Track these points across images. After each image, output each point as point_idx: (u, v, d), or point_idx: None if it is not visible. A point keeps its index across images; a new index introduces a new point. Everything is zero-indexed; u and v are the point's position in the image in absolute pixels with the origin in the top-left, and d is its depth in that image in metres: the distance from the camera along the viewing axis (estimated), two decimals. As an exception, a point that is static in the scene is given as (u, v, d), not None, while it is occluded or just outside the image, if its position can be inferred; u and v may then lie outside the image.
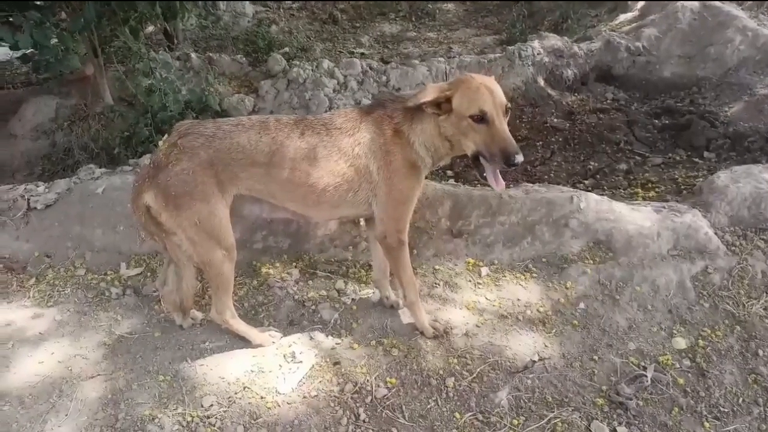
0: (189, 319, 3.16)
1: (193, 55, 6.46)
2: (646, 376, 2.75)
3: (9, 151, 5.62)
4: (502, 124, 2.55)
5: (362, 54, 8.50)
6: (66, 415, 2.66)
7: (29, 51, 4.68)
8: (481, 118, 2.51)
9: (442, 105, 2.61)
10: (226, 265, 2.79)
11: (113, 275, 3.54)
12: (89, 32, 5.17)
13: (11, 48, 4.68)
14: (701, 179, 4.48)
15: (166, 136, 2.79)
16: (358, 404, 2.68)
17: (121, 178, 3.91)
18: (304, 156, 2.71)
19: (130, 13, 5.15)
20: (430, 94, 2.60)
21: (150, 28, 7.29)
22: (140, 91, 4.97)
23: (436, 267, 3.54)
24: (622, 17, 7.77)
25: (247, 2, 9.80)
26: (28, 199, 3.82)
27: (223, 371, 2.87)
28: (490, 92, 2.56)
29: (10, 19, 4.42)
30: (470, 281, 3.43)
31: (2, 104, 6.14)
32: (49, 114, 5.80)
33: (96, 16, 4.81)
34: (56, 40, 4.72)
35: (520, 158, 2.48)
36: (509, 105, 2.60)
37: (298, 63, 6.36)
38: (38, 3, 4.77)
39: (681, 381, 2.79)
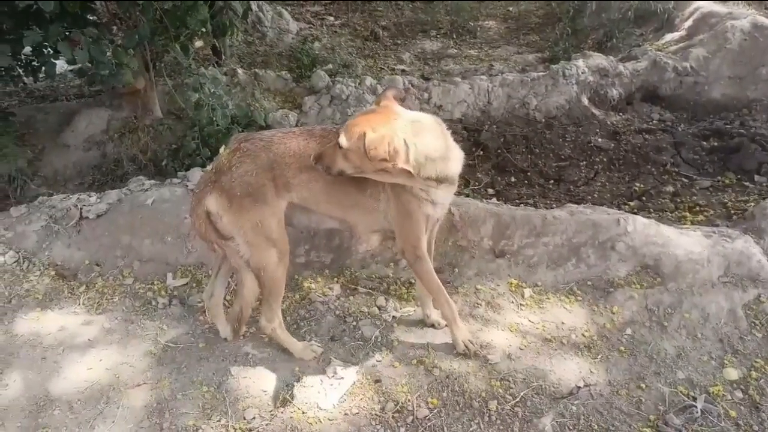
0: (236, 330, 3.20)
1: (239, 70, 6.61)
2: (696, 407, 2.67)
3: (62, 161, 5.81)
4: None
5: (403, 71, 8.55)
6: (113, 422, 2.72)
7: (85, 65, 4.84)
8: None
9: None
10: (280, 270, 2.84)
11: (160, 285, 3.62)
12: (142, 48, 5.34)
13: (68, 62, 4.87)
14: (752, 204, 4.37)
15: (223, 147, 2.87)
16: (399, 423, 2.67)
17: (170, 190, 4.01)
18: None
19: (182, 30, 5.29)
20: None
21: (198, 44, 7.48)
22: (189, 106, 5.10)
23: (478, 287, 3.52)
24: (669, 37, 7.64)
25: (291, 20, 9.97)
26: (81, 209, 3.94)
27: (266, 384, 2.90)
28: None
29: (69, 35, 4.58)
30: (513, 302, 3.39)
31: (57, 116, 6.35)
32: (101, 126, 5.99)
33: (150, 33, 4.97)
34: (111, 56, 4.88)
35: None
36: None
37: (341, 79, 6.44)
38: (96, 20, 4.94)
39: (733, 413, 2.69)
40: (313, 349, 3.07)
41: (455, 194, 4.01)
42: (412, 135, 2.52)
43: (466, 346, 3.01)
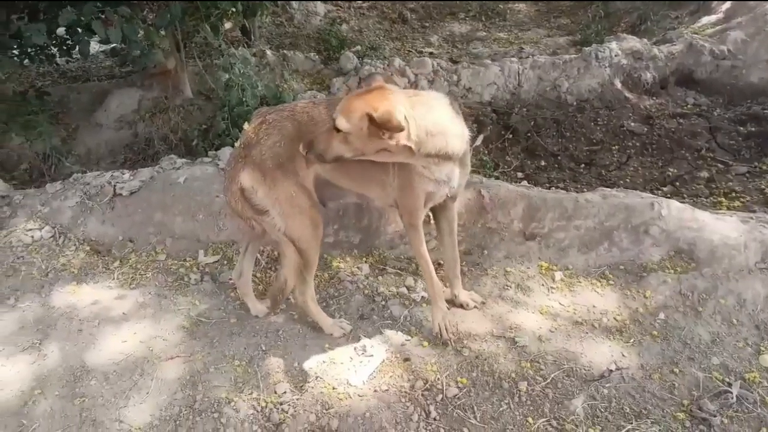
0: (263, 306, 3.24)
1: (268, 52, 6.62)
2: (731, 393, 2.63)
3: (94, 140, 5.91)
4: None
5: (431, 53, 8.48)
6: (147, 393, 2.77)
7: (118, 45, 4.90)
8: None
9: None
10: (314, 242, 2.86)
11: (192, 262, 3.67)
12: (173, 28, 5.38)
13: (102, 42, 4.93)
14: (791, 190, 4.26)
15: (246, 123, 2.87)
16: (428, 402, 2.68)
17: (201, 168, 4.06)
18: None
19: (212, 11, 5.31)
20: None
21: (228, 25, 7.50)
22: (219, 86, 5.13)
23: (508, 269, 3.49)
24: (705, 20, 7.45)
25: (319, 2, 9.94)
26: (114, 186, 4.01)
27: (296, 360, 2.93)
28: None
29: (103, 14, 4.63)
30: (543, 285, 3.37)
31: (89, 95, 6.45)
32: (132, 106, 6.07)
33: (181, 13, 5.00)
34: (142, 35, 4.93)
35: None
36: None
37: (369, 61, 6.41)
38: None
39: (769, 400, 2.65)
40: (342, 326, 3.09)
41: (485, 176, 4.01)
42: (411, 110, 2.48)
43: (440, 330, 2.98)
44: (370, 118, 2.37)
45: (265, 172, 2.72)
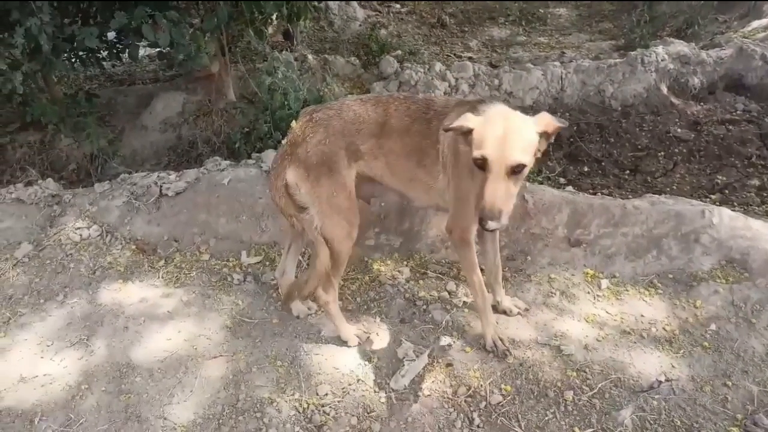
0: (305, 308, 3.25)
1: (309, 56, 6.67)
2: (788, 409, 2.53)
3: (140, 142, 6.04)
4: (498, 183, 2.24)
5: (470, 58, 8.43)
6: (191, 391, 2.81)
7: (166, 49, 5.00)
8: (481, 166, 2.27)
9: (467, 136, 2.38)
10: (346, 244, 2.85)
11: (235, 262, 3.71)
12: (219, 32, 5.47)
13: (150, 45, 5.04)
14: None
15: (294, 121, 2.89)
16: (471, 408, 2.64)
17: (245, 170, 4.10)
18: (405, 128, 2.77)
19: (257, 15, 5.39)
20: (459, 121, 2.38)
21: (270, 30, 7.60)
22: (262, 89, 5.17)
23: (552, 276, 3.44)
24: (756, 23, 7.24)
25: (358, 7, 9.99)
26: (161, 186, 4.08)
27: (338, 362, 2.93)
28: (504, 142, 2.24)
29: (152, 18, 4.73)
30: (589, 293, 3.30)
31: (135, 98, 6.61)
32: (177, 108, 6.18)
33: (227, 17, 5.08)
34: (189, 40, 5.02)
35: (492, 225, 2.22)
36: (521, 164, 2.24)
37: (409, 65, 6.40)
38: (177, 4, 5.08)
39: (829, 417, 2.53)
40: (358, 335, 3.07)
41: (529, 181, 3.95)
42: None
43: (495, 343, 2.93)
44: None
45: (309, 169, 2.73)
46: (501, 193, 2.23)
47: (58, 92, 5.92)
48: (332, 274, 2.92)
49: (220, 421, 2.65)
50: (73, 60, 5.37)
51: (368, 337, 3.09)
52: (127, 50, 5.11)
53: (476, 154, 2.27)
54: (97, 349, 3.07)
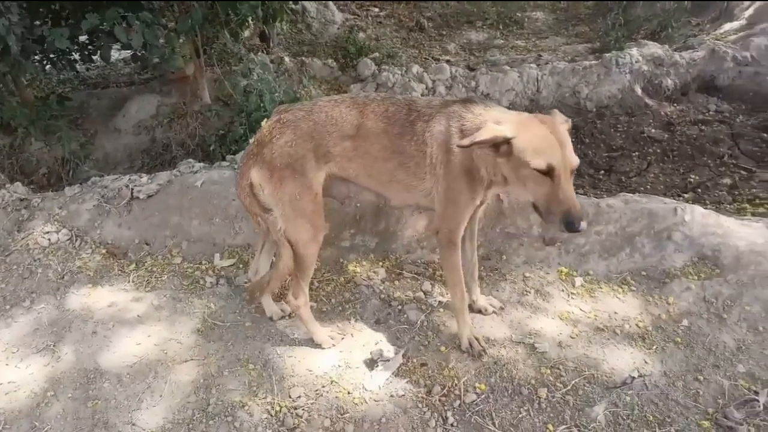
0: (278, 309, 3.21)
1: (286, 58, 6.64)
2: (758, 401, 2.54)
3: (112, 145, 5.95)
4: (569, 183, 2.30)
5: (448, 61, 8.46)
6: (161, 396, 2.75)
7: (139, 51, 4.93)
8: (547, 173, 2.29)
9: (501, 146, 2.38)
10: (312, 248, 2.81)
11: (207, 265, 3.65)
12: (193, 34, 5.42)
13: (123, 47, 4.97)
14: (819, 197, 4.16)
15: (265, 120, 2.85)
16: (446, 407, 2.62)
17: (219, 172, 4.05)
18: (383, 130, 2.72)
19: (232, 17, 5.34)
20: (485, 133, 2.34)
21: (246, 33, 7.55)
22: (238, 91, 5.14)
23: (527, 274, 3.43)
24: (728, 26, 7.36)
25: (337, 10, 9.98)
26: (132, 189, 4.01)
27: (311, 364, 2.89)
28: (562, 145, 2.30)
29: (125, 19, 4.66)
30: (563, 291, 3.30)
31: (108, 101, 6.52)
32: (151, 111, 6.11)
33: (201, 18, 5.03)
34: (163, 41, 4.97)
35: (584, 225, 2.27)
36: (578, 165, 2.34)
37: (387, 68, 6.40)
38: (150, 5, 5.02)
39: (799, 410, 2.55)
40: (332, 337, 3.04)
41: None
42: None
43: (471, 344, 2.91)
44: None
45: (273, 170, 2.68)
46: (574, 194, 2.29)
47: (29, 95, 5.81)
48: (300, 278, 2.88)
49: (190, 425, 2.60)
50: (44, 62, 5.28)
51: (342, 339, 3.06)
52: (99, 52, 5.02)
53: (539, 163, 2.26)
54: (64, 355, 3.00)
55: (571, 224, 2.26)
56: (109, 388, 2.81)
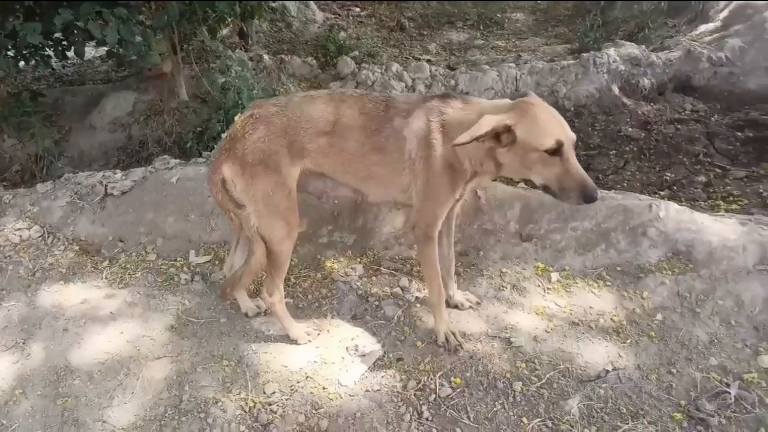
0: (254, 305, 3.18)
1: (265, 56, 6.60)
2: (729, 393, 2.57)
3: (88, 142, 5.87)
4: (574, 157, 2.36)
5: (428, 60, 8.47)
6: (132, 393, 2.71)
7: (114, 47, 4.86)
8: (555, 151, 2.32)
9: (502, 136, 2.40)
10: (286, 243, 2.78)
11: (182, 262, 3.61)
12: (170, 31, 5.35)
13: (98, 43, 4.90)
14: (790, 194, 4.22)
15: (239, 114, 2.82)
16: (421, 402, 2.61)
17: (194, 168, 4.01)
18: (361, 127, 2.71)
19: (210, 13, 5.29)
20: (485, 126, 2.36)
21: (225, 31, 7.50)
22: (215, 88, 5.09)
23: (504, 270, 3.44)
24: (703, 27, 7.43)
25: (318, 9, 9.95)
26: (106, 186, 3.96)
27: (286, 360, 2.87)
28: (560, 122, 2.38)
29: (100, 14, 4.59)
30: (539, 286, 3.31)
31: (84, 98, 6.42)
32: (127, 108, 6.04)
33: (178, 15, 4.97)
34: (139, 38, 4.90)
35: (598, 194, 2.35)
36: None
37: (367, 66, 6.39)
38: (126, 1, 4.95)
39: (769, 401, 2.58)
40: (308, 332, 3.01)
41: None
42: None
43: (447, 339, 2.91)
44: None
45: (245, 166, 2.64)
46: (580, 166, 2.36)
47: (2, 91, 5.71)
48: (274, 275, 2.86)
49: (162, 422, 2.56)
50: (17, 58, 5.17)
51: (319, 335, 3.04)
52: (73, 48, 4.94)
53: (549, 143, 2.30)
54: (33, 353, 2.95)
55: (590, 197, 2.32)
56: (80, 385, 2.76)
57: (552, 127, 2.34)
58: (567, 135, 2.34)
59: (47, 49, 5.22)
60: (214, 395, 2.67)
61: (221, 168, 2.68)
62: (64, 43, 5.14)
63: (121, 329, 3.08)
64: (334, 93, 2.87)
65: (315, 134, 2.72)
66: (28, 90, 6.04)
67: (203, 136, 5.25)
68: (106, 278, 3.49)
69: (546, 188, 2.45)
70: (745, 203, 4.31)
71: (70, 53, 5.29)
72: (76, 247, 3.73)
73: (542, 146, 2.32)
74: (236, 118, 2.80)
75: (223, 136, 2.85)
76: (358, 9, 10.98)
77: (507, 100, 2.62)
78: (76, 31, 4.80)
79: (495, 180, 4.19)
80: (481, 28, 10.23)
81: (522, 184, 4.53)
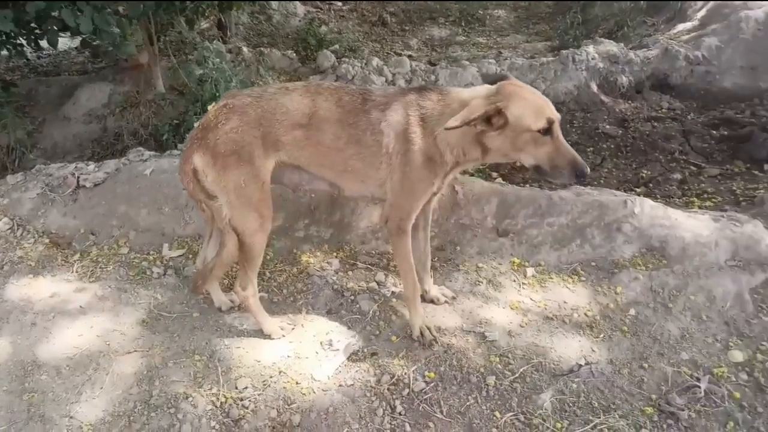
0: (227, 300, 3.14)
1: (244, 48, 6.53)
2: (699, 387, 2.59)
3: (62, 134, 5.76)
4: (562, 136, 2.43)
5: (410, 56, 8.45)
6: (101, 388, 2.67)
7: (89, 37, 4.77)
8: (547, 130, 2.38)
9: (493, 119, 2.41)
10: (258, 236, 2.74)
11: (155, 255, 3.56)
12: (146, 20, 5.26)
13: (72, 33, 4.79)
14: (762, 191, 4.27)
15: (213, 104, 2.77)
16: (394, 396, 2.60)
17: (169, 161, 3.95)
18: (337, 120, 2.68)
19: (187, 3, 5.21)
20: (476, 110, 2.38)
21: (205, 25, 7.41)
22: (192, 80, 5.02)
23: (480, 265, 3.44)
24: (681, 26, 7.52)
25: (299, 3, 9.88)
26: (78, 177, 3.89)
27: (260, 355, 2.84)
28: (547, 101, 2.45)
29: (73, 5, 4.49)
30: (515, 281, 3.32)
31: (58, 89, 6.30)
32: (103, 100, 5.93)
33: (154, 4, 4.89)
34: (115, 27, 4.80)
35: (588, 170, 2.40)
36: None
37: (347, 60, 6.35)
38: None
39: (737, 395, 2.61)
40: (282, 327, 2.98)
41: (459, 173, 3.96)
42: None
43: (422, 333, 2.90)
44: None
45: (217, 157, 2.59)
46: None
47: (-28, 81, 5.57)
48: (248, 268, 2.82)
49: (131, 418, 2.52)
50: (-12, 46, 5.06)
51: (293, 329, 3.01)
52: (46, 37, 4.83)
53: (541, 123, 2.35)
54: (0, 347, 2.88)
55: (581, 173, 2.39)
56: (47, 380, 2.71)
57: (542, 107, 2.39)
58: (555, 114, 2.41)
59: (20, 38, 5.10)
60: (185, 390, 2.64)
61: (192, 158, 2.63)
62: (37, 31, 5.02)
63: (91, 323, 3.03)
64: (310, 85, 2.83)
65: (290, 126, 2.68)
66: (1, 80, 5.89)
67: (180, 129, 5.17)
68: (76, 272, 3.43)
69: (537, 168, 2.48)
70: (719, 200, 4.36)
71: (44, 42, 5.18)
72: (47, 240, 3.66)
73: (535, 126, 2.36)
74: (210, 107, 2.76)
75: (195, 125, 2.80)
76: (339, 3, 10.92)
77: (486, 86, 2.62)
78: (49, 19, 4.69)
79: (477, 168, 4.21)
80: (463, 24, 10.24)
81: (500, 179, 4.55)
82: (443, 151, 2.62)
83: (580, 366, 2.72)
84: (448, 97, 2.63)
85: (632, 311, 3.06)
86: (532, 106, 2.39)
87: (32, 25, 5.02)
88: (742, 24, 6.53)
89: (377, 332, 2.99)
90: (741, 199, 4.32)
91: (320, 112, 2.70)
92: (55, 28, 4.71)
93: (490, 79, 2.71)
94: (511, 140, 2.44)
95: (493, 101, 2.39)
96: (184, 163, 2.69)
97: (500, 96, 2.42)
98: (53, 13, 4.56)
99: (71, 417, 2.52)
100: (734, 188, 4.54)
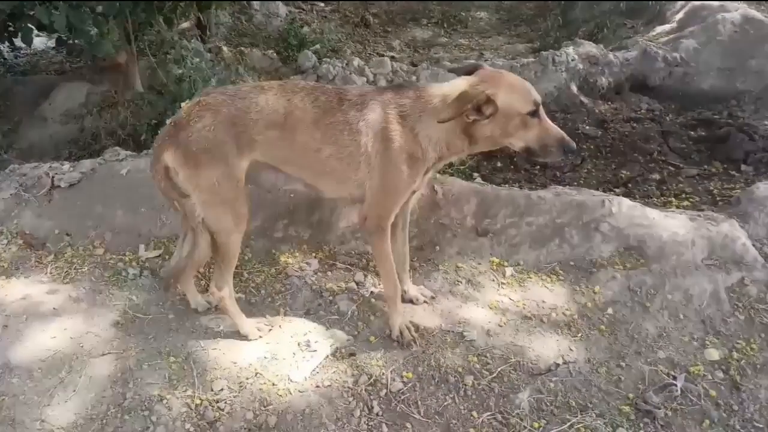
0: (204, 301, 3.11)
1: (224, 48, 6.48)
2: (675, 386, 2.61)
3: (38, 134, 5.67)
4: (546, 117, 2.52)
5: (392, 57, 8.45)
6: (74, 390, 2.62)
7: (65, 35, 4.69)
8: (534, 112, 2.44)
9: (483, 107, 2.41)
10: (234, 236, 2.71)
11: (131, 256, 3.50)
12: (124, 19, 5.19)
13: (47, 30, 4.72)
14: (739, 191, 4.32)
15: (186, 101, 2.73)
16: (372, 397, 2.59)
17: (146, 160, 3.88)
18: (313, 120, 2.65)
19: (165, 2, 5.16)
20: (467, 98, 2.39)
21: (185, 24, 7.34)
22: (171, 80, 4.96)
23: (459, 265, 3.43)
24: (660, 29, 7.59)
25: (281, 3, 9.83)
26: (53, 177, 3.82)
27: (236, 356, 2.81)
28: (528, 84, 2.52)
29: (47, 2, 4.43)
30: (494, 281, 3.32)
31: (35, 88, 6.20)
32: (80, 99, 5.85)
33: (131, 3, 4.83)
34: (92, 26, 4.73)
35: (575, 145, 2.49)
36: None
37: (328, 60, 6.33)
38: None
39: (713, 393, 2.64)
40: (259, 328, 2.95)
41: (439, 172, 3.97)
42: None
43: (402, 333, 2.89)
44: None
45: (188, 155, 2.55)
46: None
47: (-55, 80, 5.47)
48: (223, 268, 2.78)
49: (104, 420, 2.48)
50: (-39, 44, 4.97)
51: (270, 330, 2.98)
52: (19, 34, 4.75)
53: (529, 106, 2.43)
54: (-30, 351, 2.82)
55: (570, 148, 2.49)
56: (18, 383, 2.66)
57: (528, 90, 2.47)
58: (538, 95, 2.48)
59: (-7, 36, 5.03)
60: (160, 392, 2.60)
61: (163, 155, 2.59)
62: (11, 29, 4.94)
63: (64, 325, 2.97)
64: (286, 84, 2.81)
65: (265, 126, 2.64)
66: (-26, 79, 5.81)
67: (159, 129, 5.09)
68: (50, 273, 3.37)
69: (528, 150, 2.54)
70: (697, 200, 4.41)
71: (18, 41, 5.10)
72: (20, 241, 3.59)
73: (524, 109, 2.43)
74: (183, 104, 2.72)
75: (167, 122, 2.76)
76: (322, 4, 10.89)
77: (464, 77, 2.62)
78: (22, 17, 4.61)
79: (457, 167, 4.20)
80: (445, 26, 10.26)
81: (479, 179, 4.56)
82: (425, 147, 2.61)
83: (558, 365, 2.73)
84: (426, 93, 2.63)
85: (610, 310, 3.07)
86: (519, 90, 2.46)
87: (7, 23, 4.95)
88: (719, 26, 6.61)
89: (356, 332, 2.97)
90: (718, 198, 4.37)
91: (296, 112, 2.66)
92: (30, 26, 4.63)
93: (462, 71, 2.72)
94: (501, 126, 2.48)
95: (480, 90, 2.40)
96: (156, 161, 2.65)
97: (485, 84, 2.44)
98: (28, 11, 4.49)
99: (43, 421, 2.47)
100: (711, 188, 4.59)
